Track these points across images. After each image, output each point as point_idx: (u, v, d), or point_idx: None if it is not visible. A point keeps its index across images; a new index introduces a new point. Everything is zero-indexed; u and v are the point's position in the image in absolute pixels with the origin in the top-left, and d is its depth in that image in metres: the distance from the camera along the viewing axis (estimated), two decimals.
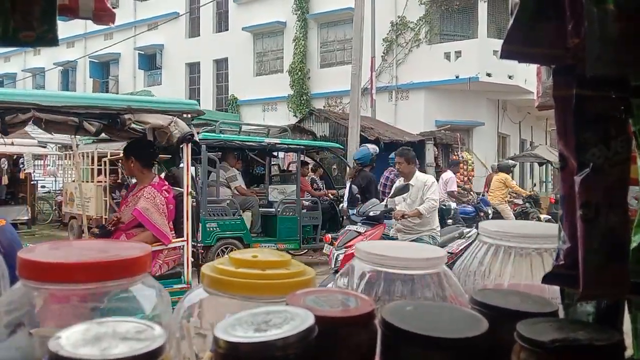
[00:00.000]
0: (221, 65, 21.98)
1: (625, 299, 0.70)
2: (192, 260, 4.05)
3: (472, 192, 11.40)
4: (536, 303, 0.73)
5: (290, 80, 19.27)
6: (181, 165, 4.18)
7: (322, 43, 19.42)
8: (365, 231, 5.83)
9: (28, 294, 0.66)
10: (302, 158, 9.34)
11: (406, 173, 5.51)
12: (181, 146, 3.98)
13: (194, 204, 4.42)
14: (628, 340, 0.67)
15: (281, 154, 11.57)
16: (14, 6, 0.78)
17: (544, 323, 0.64)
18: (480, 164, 15.72)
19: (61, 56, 24.84)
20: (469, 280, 0.90)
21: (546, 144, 19.59)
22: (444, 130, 15.33)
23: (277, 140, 8.89)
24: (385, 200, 6.04)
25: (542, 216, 11.12)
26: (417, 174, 5.50)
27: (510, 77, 15.83)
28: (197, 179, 7.67)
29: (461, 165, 14.66)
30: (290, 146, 9.03)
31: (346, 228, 6.01)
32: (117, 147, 13.99)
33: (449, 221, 7.74)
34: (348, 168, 8.72)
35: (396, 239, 5.50)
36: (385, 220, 5.89)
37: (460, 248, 5.56)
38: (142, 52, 23.85)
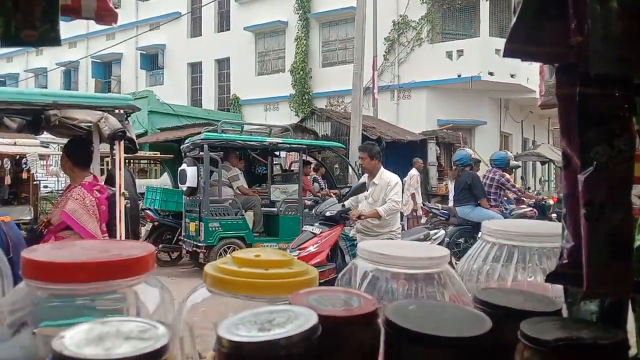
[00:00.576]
0: (223, 65, 22.00)
1: (629, 298, 0.70)
2: None
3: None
4: (540, 302, 0.73)
5: (292, 80, 19.28)
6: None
7: (323, 42, 19.42)
8: (320, 232, 5.70)
9: (31, 293, 0.66)
10: (304, 157, 9.34)
11: (369, 169, 5.12)
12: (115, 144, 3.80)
13: (128, 205, 4.21)
14: (632, 339, 0.67)
15: (283, 154, 11.57)
16: (16, 6, 0.78)
17: (547, 322, 0.64)
18: (482, 163, 15.71)
19: (63, 56, 24.90)
20: (472, 279, 0.90)
21: (549, 142, 19.59)
22: (446, 129, 15.34)
23: (280, 140, 8.87)
24: (345, 200, 5.83)
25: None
26: (383, 172, 5.06)
27: (512, 75, 15.81)
28: (200, 178, 7.67)
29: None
30: (293, 146, 9.02)
31: (303, 228, 5.89)
32: None
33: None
34: (350, 168, 8.72)
35: (355, 239, 5.30)
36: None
37: None
38: (144, 52, 23.89)
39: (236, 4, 21.14)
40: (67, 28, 21.64)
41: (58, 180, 17.30)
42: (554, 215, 10.24)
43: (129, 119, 4.05)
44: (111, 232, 3.71)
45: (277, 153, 10.61)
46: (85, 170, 3.53)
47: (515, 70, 15.56)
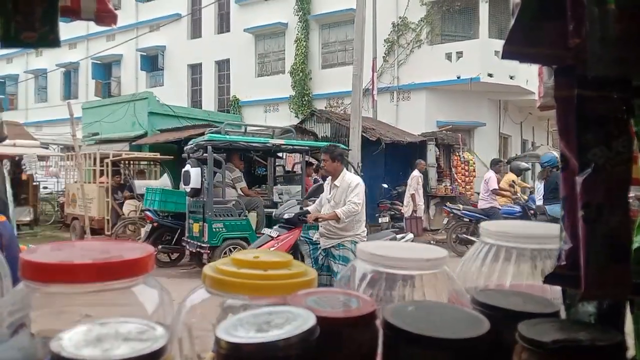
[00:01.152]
0: (223, 66, 22.00)
1: (627, 300, 0.70)
2: None
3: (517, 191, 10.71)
4: (538, 303, 0.73)
5: (291, 81, 19.28)
6: None
7: (323, 44, 19.42)
8: (278, 235, 5.62)
9: (30, 294, 0.66)
10: (306, 159, 9.34)
11: (331, 172, 4.98)
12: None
13: None
14: (630, 340, 0.67)
15: (284, 155, 11.57)
16: (16, 7, 0.78)
17: (545, 323, 0.64)
18: (481, 165, 15.71)
19: (63, 57, 24.89)
20: (471, 280, 0.90)
21: (548, 144, 19.55)
22: (446, 130, 15.33)
23: (283, 141, 8.87)
24: (302, 203, 5.80)
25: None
26: (345, 174, 4.96)
27: (511, 77, 15.82)
28: (204, 179, 7.67)
29: (462, 165, 14.66)
30: (296, 147, 9.02)
31: (262, 231, 5.81)
32: (119, 148, 14.08)
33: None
34: (352, 168, 8.71)
35: (318, 243, 5.17)
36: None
37: None
38: (144, 54, 23.88)
39: (236, 5, 21.14)
40: (67, 29, 21.68)
41: (57, 182, 17.32)
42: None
43: None
44: None
45: (279, 154, 10.61)
46: None
47: (515, 71, 15.57)
